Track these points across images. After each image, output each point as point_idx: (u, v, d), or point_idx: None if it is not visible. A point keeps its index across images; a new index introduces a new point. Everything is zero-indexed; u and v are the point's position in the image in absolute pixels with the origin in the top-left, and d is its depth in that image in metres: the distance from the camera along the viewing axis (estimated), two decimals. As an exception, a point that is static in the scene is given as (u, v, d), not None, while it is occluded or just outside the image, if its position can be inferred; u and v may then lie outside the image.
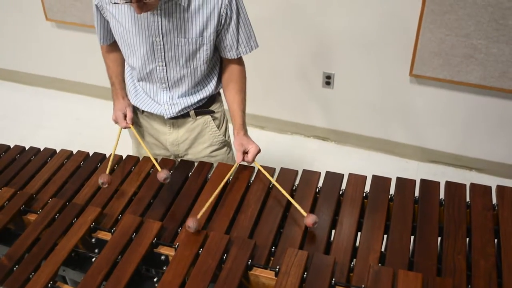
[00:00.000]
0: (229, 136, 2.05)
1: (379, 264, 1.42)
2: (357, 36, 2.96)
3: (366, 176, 1.74)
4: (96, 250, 1.55)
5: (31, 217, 1.66)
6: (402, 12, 2.77)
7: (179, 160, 1.95)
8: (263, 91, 3.41)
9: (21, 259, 1.48)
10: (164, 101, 1.85)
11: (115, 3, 1.62)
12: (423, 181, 1.70)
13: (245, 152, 1.78)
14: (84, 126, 3.72)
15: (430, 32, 2.73)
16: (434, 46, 2.77)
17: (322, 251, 1.48)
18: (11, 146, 2.07)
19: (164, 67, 1.77)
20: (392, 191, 1.68)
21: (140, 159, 1.90)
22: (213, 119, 1.94)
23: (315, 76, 3.22)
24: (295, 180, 1.75)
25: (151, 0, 1.52)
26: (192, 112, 1.89)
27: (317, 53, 3.14)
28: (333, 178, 1.75)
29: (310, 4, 2.97)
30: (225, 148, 2.02)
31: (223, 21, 1.69)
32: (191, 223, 1.50)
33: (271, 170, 1.75)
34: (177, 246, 1.48)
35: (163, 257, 1.50)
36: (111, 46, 1.92)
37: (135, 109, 1.97)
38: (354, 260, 1.45)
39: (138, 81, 1.88)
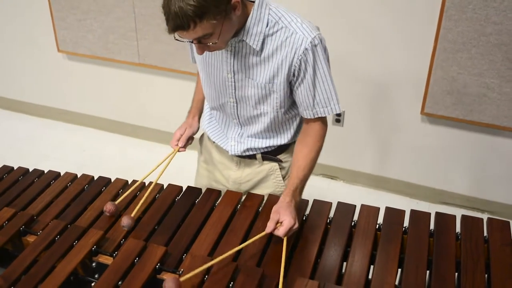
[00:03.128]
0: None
1: (394, 298, 1.35)
2: (368, 73, 2.95)
3: (379, 208, 1.69)
4: (96, 276, 1.48)
5: (31, 238, 1.60)
6: (414, 49, 2.76)
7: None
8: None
9: (17, 281, 1.42)
10: (233, 136, 1.78)
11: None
12: (438, 214, 1.65)
13: (278, 222, 1.52)
14: (90, 158, 3.69)
15: (442, 70, 2.71)
16: (446, 85, 2.74)
17: (333, 283, 1.42)
18: (15, 168, 2.03)
19: (235, 104, 1.68)
20: (406, 223, 1.63)
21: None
22: (280, 168, 1.81)
23: (325, 113, 3.19)
24: (305, 210, 1.70)
25: (212, 44, 1.43)
26: (258, 156, 1.78)
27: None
28: (345, 208, 1.70)
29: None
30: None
31: (296, 73, 1.54)
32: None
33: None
34: (181, 273, 1.42)
35: (165, 284, 1.43)
36: None
37: (206, 137, 1.90)
38: (367, 293, 1.39)
39: (211, 110, 1.82)
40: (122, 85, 3.73)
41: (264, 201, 1.74)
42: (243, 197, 1.77)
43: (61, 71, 3.91)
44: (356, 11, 2.80)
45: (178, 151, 1.83)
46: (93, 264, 1.51)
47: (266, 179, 1.81)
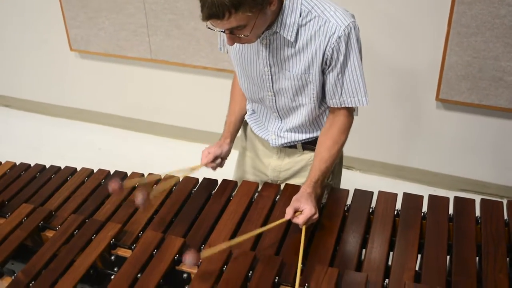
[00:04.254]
0: (331, 180, 1.87)
1: (415, 283, 1.34)
2: (382, 61, 2.92)
3: (396, 194, 1.68)
4: (115, 269, 1.49)
5: (49, 233, 1.61)
6: (427, 35, 2.73)
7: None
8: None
9: (37, 275, 1.43)
10: (273, 130, 1.77)
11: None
12: (457, 199, 1.63)
13: (297, 211, 1.51)
14: (106, 156, 3.70)
15: (456, 55, 2.68)
16: (461, 70, 2.71)
17: (353, 270, 1.40)
18: (32, 165, 2.04)
19: (274, 97, 1.67)
20: (424, 209, 1.61)
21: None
22: None
23: (339, 102, 3.17)
24: (322, 198, 1.69)
25: (244, 36, 1.42)
26: (299, 145, 1.78)
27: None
28: (363, 195, 1.68)
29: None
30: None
31: (328, 61, 1.52)
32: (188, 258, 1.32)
33: None
34: (200, 264, 1.42)
35: (185, 275, 1.44)
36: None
37: (248, 127, 1.89)
38: (387, 280, 1.37)
39: (251, 103, 1.81)
40: (135, 82, 3.74)
41: (281, 191, 1.73)
42: (259, 187, 1.76)
43: (74, 70, 3.93)
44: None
45: (206, 166, 1.76)
46: (112, 257, 1.51)
47: (305, 168, 1.79)
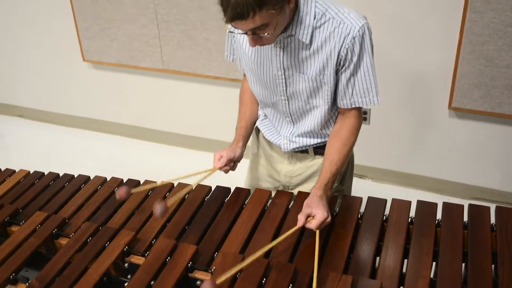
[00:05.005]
0: (343, 185, 1.89)
1: (430, 290, 1.33)
2: (394, 69, 2.92)
3: (410, 201, 1.67)
4: (128, 276, 1.49)
5: (63, 241, 1.62)
6: (439, 43, 2.73)
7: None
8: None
9: (51, 283, 1.43)
10: (285, 135, 1.78)
11: (230, 32, 1.55)
12: (471, 206, 1.61)
13: (309, 216, 1.51)
14: (118, 165, 3.72)
15: (469, 63, 2.67)
16: (473, 78, 2.70)
17: (367, 277, 1.40)
18: (45, 173, 2.05)
19: (287, 101, 1.68)
20: (438, 216, 1.60)
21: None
22: None
23: (351, 111, 3.17)
24: (335, 205, 1.68)
25: (266, 35, 1.43)
26: (310, 149, 1.79)
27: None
28: (376, 203, 1.68)
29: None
30: (335, 195, 1.84)
31: (342, 62, 1.54)
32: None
33: None
34: (213, 271, 1.42)
35: (198, 282, 1.43)
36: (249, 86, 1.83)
37: (260, 133, 1.89)
38: (401, 287, 1.36)
39: (264, 108, 1.82)
40: (147, 92, 3.76)
41: (295, 197, 1.73)
42: (273, 194, 1.76)
43: (87, 80, 3.96)
44: (379, 5, 2.78)
45: (219, 169, 1.75)
46: (126, 265, 1.51)
47: (317, 173, 1.78)
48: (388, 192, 3.21)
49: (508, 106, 2.69)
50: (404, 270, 1.43)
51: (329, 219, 1.50)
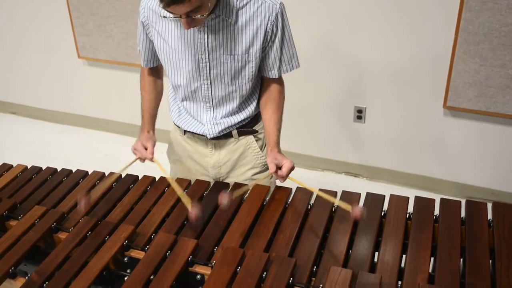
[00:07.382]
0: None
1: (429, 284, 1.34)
2: (389, 68, 2.93)
3: (408, 197, 1.68)
4: (128, 270, 1.49)
5: (62, 235, 1.61)
6: (434, 43, 2.75)
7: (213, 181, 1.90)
8: (292, 127, 3.37)
9: (51, 276, 1.43)
10: (207, 120, 1.83)
11: (164, 17, 1.63)
12: (469, 202, 1.62)
13: (278, 167, 1.72)
14: (113, 162, 3.69)
15: (464, 62, 2.70)
16: (468, 77, 2.72)
17: (367, 271, 1.40)
18: (43, 168, 2.05)
19: (209, 85, 1.75)
20: (436, 212, 1.61)
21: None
22: (256, 140, 1.90)
23: (346, 110, 3.18)
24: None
25: (200, 17, 1.52)
26: (234, 132, 1.86)
27: (347, 87, 3.11)
28: (374, 199, 1.69)
29: (342, 38, 2.97)
30: (267, 172, 1.93)
31: (268, 37, 1.69)
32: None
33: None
34: (214, 265, 1.42)
35: (198, 277, 1.43)
36: (151, 74, 1.95)
37: (178, 131, 1.97)
38: (400, 282, 1.37)
39: (182, 101, 1.87)
40: (142, 89, 3.75)
41: (293, 194, 1.74)
42: (271, 190, 1.77)
43: (82, 77, 3.95)
44: (373, 6, 2.79)
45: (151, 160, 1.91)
46: (125, 259, 1.51)
47: (244, 155, 1.89)
48: (383, 191, 3.21)
49: (503, 105, 2.71)
50: (402, 265, 1.44)
51: (294, 165, 1.72)
